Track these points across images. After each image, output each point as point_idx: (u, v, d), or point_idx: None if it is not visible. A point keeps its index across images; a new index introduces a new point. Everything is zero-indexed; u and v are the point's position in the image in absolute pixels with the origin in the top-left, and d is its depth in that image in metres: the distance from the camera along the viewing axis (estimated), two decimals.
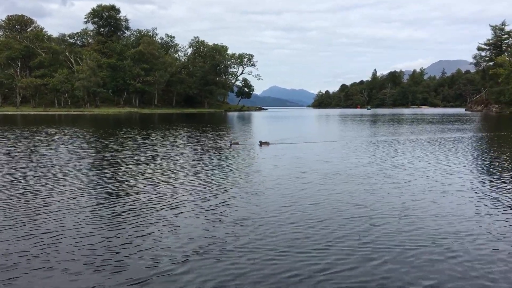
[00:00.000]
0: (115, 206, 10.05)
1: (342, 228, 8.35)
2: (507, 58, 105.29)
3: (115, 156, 19.64)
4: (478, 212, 9.47)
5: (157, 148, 23.04)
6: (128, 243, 7.47)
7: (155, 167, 16.18)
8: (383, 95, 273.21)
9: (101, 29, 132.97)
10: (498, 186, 12.51)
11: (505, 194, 11.43)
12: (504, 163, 17.21)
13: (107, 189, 12.01)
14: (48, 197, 10.83)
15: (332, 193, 11.56)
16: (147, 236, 7.82)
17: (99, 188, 12.14)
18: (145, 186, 12.52)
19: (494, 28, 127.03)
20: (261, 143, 24.65)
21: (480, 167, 16.34)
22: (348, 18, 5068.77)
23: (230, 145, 24.04)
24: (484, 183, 13.12)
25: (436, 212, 9.52)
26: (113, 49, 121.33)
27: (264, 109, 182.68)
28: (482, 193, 11.58)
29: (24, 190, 11.70)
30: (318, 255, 6.89)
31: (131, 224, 8.60)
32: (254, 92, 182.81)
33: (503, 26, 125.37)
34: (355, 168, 15.88)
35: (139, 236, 7.81)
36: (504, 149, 22.31)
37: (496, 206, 10.10)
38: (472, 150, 22.23)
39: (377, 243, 7.48)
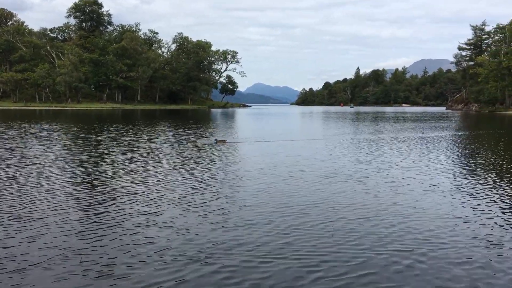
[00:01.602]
0: (99, 205, 10.12)
1: (321, 228, 8.48)
2: (486, 58, 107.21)
3: (96, 153, 19.61)
4: (457, 209, 9.72)
5: (139, 144, 23.08)
6: (111, 240, 7.51)
7: (135, 164, 16.29)
8: (366, 93, 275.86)
9: (83, 23, 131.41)
10: (476, 183, 12.91)
11: (484, 191, 11.79)
12: (484, 162, 17.67)
13: (88, 187, 12.05)
14: (22, 198, 10.70)
15: (311, 191, 11.84)
16: (131, 234, 7.84)
17: (79, 186, 12.16)
18: (126, 183, 12.62)
19: (474, 28, 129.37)
20: (217, 141, 23.66)
21: (460, 166, 16.81)
22: (332, 16, 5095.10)
23: (216, 142, 23.58)
24: (462, 180, 13.49)
25: (412, 207, 9.80)
26: (95, 44, 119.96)
27: (248, 106, 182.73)
28: (461, 190, 11.95)
29: None
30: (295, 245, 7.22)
31: (113, 221, 8.67)
32: (238, 89, 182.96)
33: (483, 27, 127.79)
34: (333, 166, 16.17)
35: (123, 234, 7.86)
36: (484, 148, 22.83)
37: (474, 203, 10.38)
38: (452, 149, 22.72)
39: (348, 237, 7.82)
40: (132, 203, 9.93)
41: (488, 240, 7.56)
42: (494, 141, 27.05)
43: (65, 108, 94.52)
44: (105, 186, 11.79)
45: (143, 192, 11.12)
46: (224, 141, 24.15)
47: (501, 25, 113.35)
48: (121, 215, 8.87)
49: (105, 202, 10.00)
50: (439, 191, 11.46)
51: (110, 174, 13.74)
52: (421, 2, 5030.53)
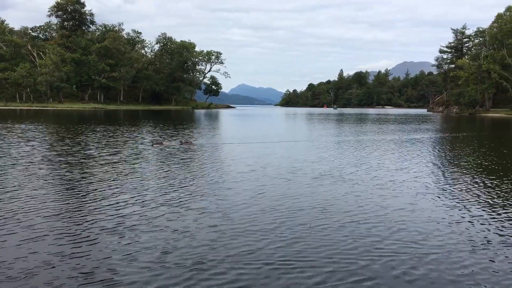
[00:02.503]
0: (79, 205, 10.09)
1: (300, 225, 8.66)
2: (467, 61, 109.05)
3: (75, 155, 19.43)
4: (444, 211, 9.84)
5: (120, 145, 22.94)
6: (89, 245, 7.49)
7: (114, 165, 16.20)
8: (349, 95, 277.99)
9: (65, 23, 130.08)
10: (463, 185, 13.14)
11: (472, 192, 12.05)
12: (470, 164, 17.97)
13: (67, 188, 12.00)
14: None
15: (293, 191, 12.08)
16: (114, 237, 7.82)
17: (58, 188, 12.08)
18: (103, 184, 12.54)
19: (455, 31, 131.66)
20: (182, 143, 23.30)
21: (446, 168, 17.05)
22: (315, 18, 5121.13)
23: (181, 143, 23.16)
24: (449, 182, 13.71)
25: (402, 209, 9.91)
26: (77, 44, 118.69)
27: (232, 107, 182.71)
28: (448, 191, 12.15)
29: None
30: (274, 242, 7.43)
31: (93, 222, 8.63)
32: (222, 90, 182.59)
33: (463, 30, 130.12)
34: (318, 168, 16.38)
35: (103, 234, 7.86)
36: (470, 150, 23.19)
37: (462, 205, 10.53)
38: (437, 151, 22.97)
39: (328, 234, 8.01)
40: (107, 206, 9.86)
41: (475, 242, 7.59)
42: (479, 143, 27.47)
43: (46, 108, 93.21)
44: (67, 192, 11.67)
45: (115, 195, 11.03)
46: (190, 143, 23.79)
47: (481, 29, 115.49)
48: (100, 218, 8.76)
49: (77, 206, 9.91)
50: (427, 193, 11.55)
51: (69, 178, 13.63)
52: (404, 5, 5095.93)
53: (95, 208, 9.37)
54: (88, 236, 7.55)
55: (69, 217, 8.64)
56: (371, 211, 9.46)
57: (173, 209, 9.38)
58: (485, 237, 7.81)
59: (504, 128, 47.37)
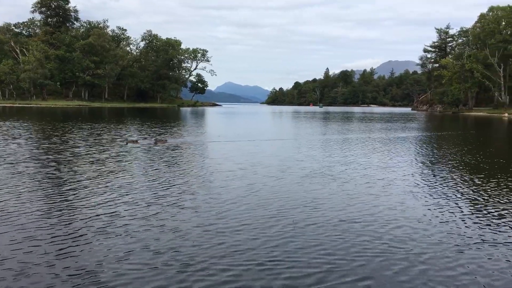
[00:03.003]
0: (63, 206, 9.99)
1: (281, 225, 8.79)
2: (450, 60, 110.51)
3: (61, 153, 19.25)
4: (430, 210, 9.98)
5: (107, 143, 22.76)
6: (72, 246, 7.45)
7: (98, 164, 16.07)
8: (335, 94, 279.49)
9: (49, 19, 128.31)
10: (449, 184, 13.40)
11: (458, 192, 12.26)
12: (458, 163, 18.25)
13: (47, 188, 11.87)
14: None
15: (277, 188, 12.13)
16: (97, 239, 7.82)
17: (44, 187, 12.00)
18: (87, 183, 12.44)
19: (439, 31, 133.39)
20: (157, 141, 22.77)
21: (428, 165, 17.35)
22: (301, 16, 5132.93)
23: (156, 142, 22.57)
24: (431, 178, 13.96)
25: (391, 209, 10.01)
26: (61, 40, 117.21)
27: (218, 105, 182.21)
28: (428, 187, 12.40)
29: None
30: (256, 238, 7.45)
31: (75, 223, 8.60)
32: (208, 88, 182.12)
33: (447, 30, 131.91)
34: (305, 165, 16.54)
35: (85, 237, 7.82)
36: (451, 148, 23.58)
37: (448, 204, 10.73)
38: (420, 149, 23.25)
39: (312, 231, 8.12)
40: (94, 205, 9.83)
41: (465, 242, 7.62)
42: (464, 142, 27.81)
43: (29, 105, 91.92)
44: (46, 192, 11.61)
45: (103, 194, 10.97)
46: (165, 141, 23.34)
47: (464, 29, 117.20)
48: (89, 218, 8.68)
49: (64, 205, 9.84)
50: (417, 192, 11.61)
51: (55, 176, 13.54)
52: (389, 4, 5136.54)
53: (83, 208, 9.26)
54: (77, 237, 7.44)
55: (57, 217, 8.52)
56: (362, 210, 9.52)
57: (164, 208, 9.33)
58: (475, 236, 7.90)
59: (486, 127, 48.19)
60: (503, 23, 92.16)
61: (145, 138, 24.94)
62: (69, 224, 8.16)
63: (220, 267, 6.24)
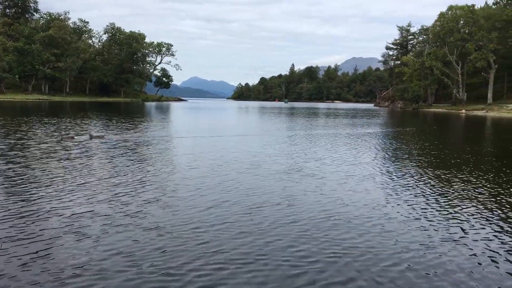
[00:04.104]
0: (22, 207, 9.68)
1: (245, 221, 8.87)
2: (411, 58, 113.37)
3: (16, 150, 18.65)
4: (382, 199, 10.39)
5: (65, 139, 22.12)
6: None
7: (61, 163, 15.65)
8: (300, 89, 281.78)
9: (7, 10, 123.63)
10: (414, 177, 13.87)
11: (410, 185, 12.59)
12: (422, 158, 18.80)
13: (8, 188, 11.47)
14: None
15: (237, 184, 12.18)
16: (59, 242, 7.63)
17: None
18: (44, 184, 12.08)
19: (401, 29, 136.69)
20: (92, 137, 21.69)
21: (392, 160, 17.87)
22: (269, 12, 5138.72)
23: (91, 137, 21.62)
24: (389, 173, 14.40)
25: (365, 207, 10.37)
26: (20, 32, 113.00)
27: (183, 100, 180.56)
28: (386, 181, 12.77)
29: None
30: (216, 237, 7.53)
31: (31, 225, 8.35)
32: (173, 83, 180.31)
33: (408, 28, 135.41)
34: (276, 161, 16.66)
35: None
36: (418, 143, 24.29)
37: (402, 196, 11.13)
38: (385, 144, 23.75)
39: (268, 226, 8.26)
40: (58, 206, 9.61)
41: (437, 239, 7.67)
42: (431, 137, 28.87)
43: None
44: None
45: (65, 193, 10.72)
46: (102, 137, 22.26)
47: (425, 27, 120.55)
48: (53, 219, 8.50)
49: (26, 207, 9.54)
50: (388, 188, 11.76)
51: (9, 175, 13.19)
52: (354, 2, 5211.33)
53: (47, 208, 8.89)
54: (43, 241, 7.04)
55: (18, 220, 8.09)
56: (335, 208, 9.40)
57: (134, 208, 9.12)
58: (443, 232, 7.99)
59: (446, 123, 49.89)
60: (462, 22, 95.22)
61: (83, 134, 23.53)
62: (34, 225, 7.97)
63: (192, 267, 6.23)
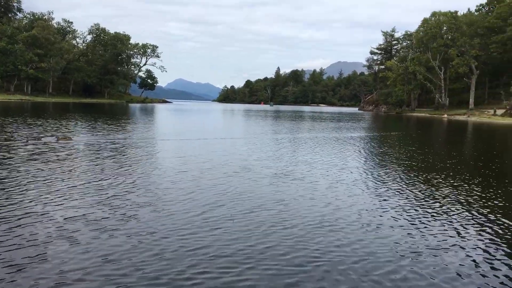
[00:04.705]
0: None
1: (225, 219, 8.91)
2: (395, 63, 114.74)
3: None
4: (373, 204, 10.49)
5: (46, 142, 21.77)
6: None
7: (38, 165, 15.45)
8: (286, 93, 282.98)
9: None
10: (387, 180, 13.94)
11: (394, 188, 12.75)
12: (412, 163, 18.98)
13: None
14: None
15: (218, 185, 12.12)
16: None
17: None
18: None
19: (385, 34, 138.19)
20: (59, 138, 20.80)
21: (373, 163, 18.07)
22: (253, 15, 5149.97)
23: (58, 139, 20.67)
24: (379, 177, 14.51)
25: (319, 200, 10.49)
26: (3, 32, 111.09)
27: (168, 101, 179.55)
28: (376, 186, 12.91)
29: None
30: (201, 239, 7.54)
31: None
32: (158, 84, 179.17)
33: (393, 33, 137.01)
34: (265, 165, 16.68)
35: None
36: (406, 147, 24.55)
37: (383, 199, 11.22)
38: (371, 148, 24.01)
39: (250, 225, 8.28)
40: (39, 211, 9.42)
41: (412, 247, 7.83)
42: (417, 142, 29.25)
43: None
44: None
45: (47, 197, 10.57)
46: (69, 138, 21.29)
47: (409, 32, 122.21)
48: (30, 223, 8.37)
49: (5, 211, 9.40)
50: (372, 193, 11.91)
51: None
52: (338, 6, 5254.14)
53: (27, 212, 8.70)
54: (35, 246, 6.94)
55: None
56: (328, 214, 9.39)
57: (123, 211, 9.05)
58: (443, 238, 8.07)
59: (429, 127, 50.57)
60: (445, 27, 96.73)
61: (52, 136, 22.50)
62: (16, 228, 7.83)
63: (186, 273, 6.25)
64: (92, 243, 7.03)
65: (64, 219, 8.20)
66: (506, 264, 6.77)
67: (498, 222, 9.12)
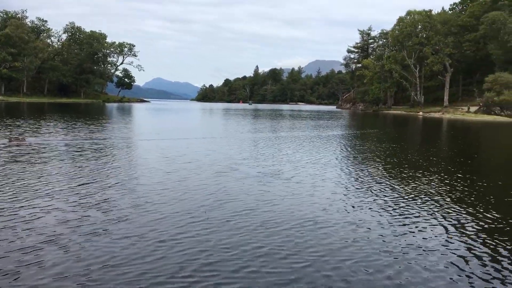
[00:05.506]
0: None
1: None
2: (371, 61, 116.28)
3: None
4: (359, 203, 10.68)
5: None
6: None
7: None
8: (264, 91, 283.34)
9: None
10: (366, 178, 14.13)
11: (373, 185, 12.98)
12: (393, 159, 19.23)
13: None
14: None
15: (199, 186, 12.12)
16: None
17: None
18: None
19: (361, 32, 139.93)
20: (11, 140, 19.49)
21: (355, 160, 18.31)
22: (232, 13, 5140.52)
23: (10, 140, 19.41)
24: (363, 175, 14.73)
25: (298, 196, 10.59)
26: None
27: (146, 101, 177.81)
28: (361, 184, 13.13)
29: None
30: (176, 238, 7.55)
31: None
32: (136, 84, 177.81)
33: (369, 31, 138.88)
34: (247, 164, 16.62)
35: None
36: (388, 144, 24.91)
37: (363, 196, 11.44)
38: (352, 146, 24.34)
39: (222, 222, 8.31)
40: (23, 214, 9.30)
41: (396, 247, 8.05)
42: (395, 139, 29.77)
43: None
44: None
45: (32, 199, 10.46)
46: (22, 139, 19.88)
47: (384, 31, 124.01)
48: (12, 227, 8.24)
49: None
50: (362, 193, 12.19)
51: None
52: (316, 4, 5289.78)
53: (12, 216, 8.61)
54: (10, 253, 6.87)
55: None
56: (313, 213, 9.45)
57: (114, 214, 8.94)
58: (434, 236, 8.27)
59: (405, 124, 51.54)
60: (420, 26, 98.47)
61: (4, 137, 21.14)
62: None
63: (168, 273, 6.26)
64: (81, 247, 6.92)
65: (46, 223, 8.04)
66: (492, 260, 6.94)
67: (479, 216, 9.35)
